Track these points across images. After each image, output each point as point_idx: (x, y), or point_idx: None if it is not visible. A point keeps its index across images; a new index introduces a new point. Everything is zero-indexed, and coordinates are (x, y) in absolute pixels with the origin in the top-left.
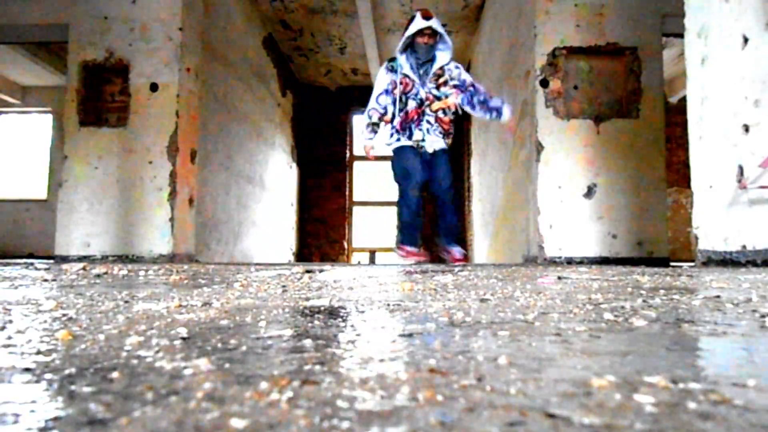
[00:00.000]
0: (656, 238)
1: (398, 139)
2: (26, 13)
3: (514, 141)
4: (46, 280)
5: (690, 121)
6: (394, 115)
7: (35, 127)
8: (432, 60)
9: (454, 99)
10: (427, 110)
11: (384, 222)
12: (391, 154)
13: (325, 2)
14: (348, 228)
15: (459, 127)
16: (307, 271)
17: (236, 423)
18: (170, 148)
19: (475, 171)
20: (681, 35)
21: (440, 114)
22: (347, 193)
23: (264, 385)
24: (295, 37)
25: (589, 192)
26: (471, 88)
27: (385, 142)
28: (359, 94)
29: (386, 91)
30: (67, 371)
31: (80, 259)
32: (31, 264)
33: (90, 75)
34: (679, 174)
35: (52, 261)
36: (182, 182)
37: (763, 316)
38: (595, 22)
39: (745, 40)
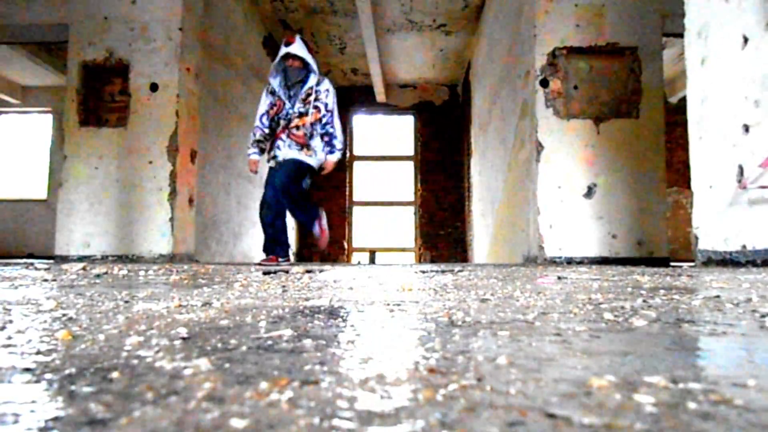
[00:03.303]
0: (656, 238)
1: (267, 161)
2: (26, 13)
3: (513, 141)
4: (46, 280)
5: (690, 121)
6: (272, 137)
7: (35, 127)
8: (304, 81)
9: (309, 118)
10: (287, 130)
11: (384, 222)
12: None
13: (325, 2)
14: (348, 228)
15: (459, 127)
16: (307, 271)
17: (236, 423)
18: (170, 148)
19: (475, 171)
20: (681, 35)
21: (293, 131)
22: (347, 193)
23: (264, 385)
24: None
25: (589, 192)
26: (328, 115)
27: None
28: (359, 94)
29: (266, 113)
30: (67, 371)
31: (80, 259)
32: (31, 264)
33: (90, 75)
34: (679, 174)
35: (52, 261)
36: (182, 182)
37: (763, 316)
38: (595, 22)
39: (745, 40)
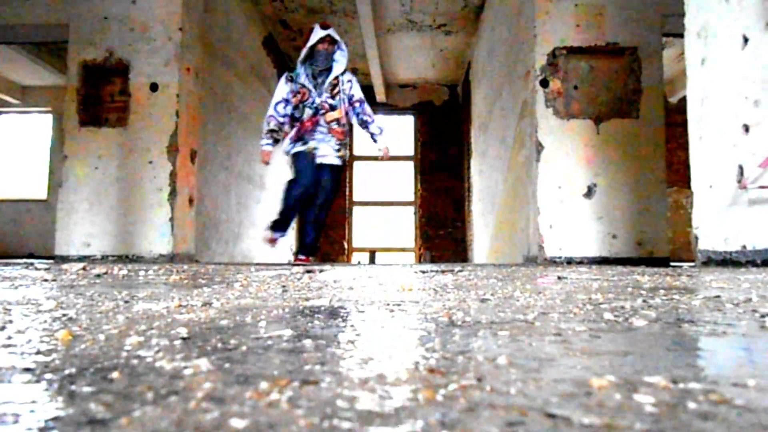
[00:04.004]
0: (656, 238)
1: (294, 146)
2: (26, 13)
3: (513, 141)
4: (46, 280)
5: (690, 121)
6: (291, 126)
7: (35, 127)
8: (329, 69)
9: (343, 111)
10: (321, 120)
11: (384, 222)
12: (290, 160)
13: (325, 2)
14: (348, 228)
15: (459, 127)
16: (307, 271)
17: (236, 423)
18: (170, 148)
19: (475, 171)
20: (681, 35)
21: (333, 125)
22: (347, 193)
23: (264, 385)
24: (295, 37)
25: (589, 192)
26: (357, 105)
27: (283, 149)
28: None
29: (285, 101)
30: (67, 371)
31: (80, 259)
32: (31, 264)
33: (90, 75)
34: (679, 174)
35: (52, 261)
36: (182, 182)
37: (763, 316)
38: (595, 22)
39: (745, 40)
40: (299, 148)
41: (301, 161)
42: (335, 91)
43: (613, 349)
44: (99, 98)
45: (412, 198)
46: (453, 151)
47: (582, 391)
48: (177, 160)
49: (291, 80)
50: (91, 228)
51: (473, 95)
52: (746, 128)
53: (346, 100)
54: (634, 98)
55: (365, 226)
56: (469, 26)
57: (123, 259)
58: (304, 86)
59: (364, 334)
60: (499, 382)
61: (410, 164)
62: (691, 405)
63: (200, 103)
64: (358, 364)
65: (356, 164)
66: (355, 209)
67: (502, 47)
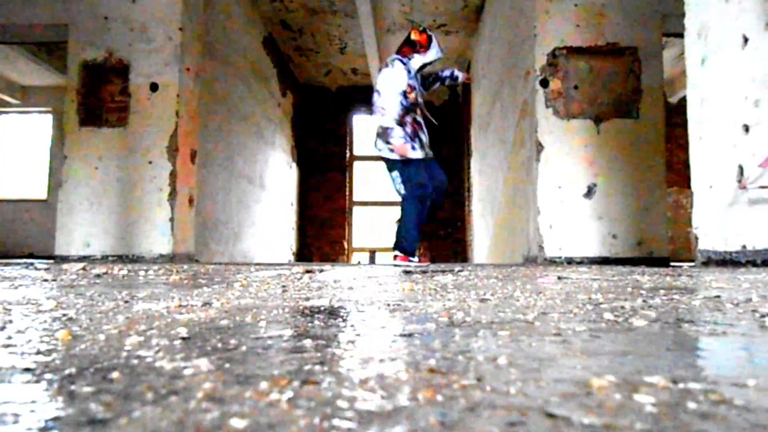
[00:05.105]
0: (656, 238)
1: (413, 148)
2: (26, 13)
3: (513, 141)
4: (46, 280)
5: (690, 121)
6: (404, 122)
7: (35, 127)
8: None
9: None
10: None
11: (384, 222)
12: (405, 161)
13: (325, 2)
14: (348, 228)
15: (459, 127)
16: (307, 271)
17: (236, 423)
18: (170, 148)
19: (475, 171)
20: (681, 35)
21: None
22: (347, 193)
23: (264, 385)
24: (295, 37)
25: (589, 192)
26: (440, 71)
27: (400, 146)
28: (359, 94)
29: (403, 93)
30: (67, 371)
31: (80, 259)
32: (31, 264)
33: (90, 75)
34: (679, 174)
35: (52, 261)
36: (182, 182)
37: (763, 316)
38: (595, 22)
39: (745, 40)
40: (417, 152)
41: (419, 171)
42: (426, 84)
43: (613, 349)
44: (99, 98)
45: None
46: (453, 151)
47: (582, 391)
48: (177, 160)
49: (408, 73)
50: (91, 228)
51: (473, 95)
52: (746, 128)
53: (434, 84)
54: (634, 98)
55: (365, 226)
56: (469, 26)
57: (123, 259)
58: (412, 85)
59: (364, 334)
60: (499, 382)
61: None
62: (691, 405)
63: (200, 103)
64: (358, 364)
65: (356, 164)
66: (355, 209)
67: (502, 47)
